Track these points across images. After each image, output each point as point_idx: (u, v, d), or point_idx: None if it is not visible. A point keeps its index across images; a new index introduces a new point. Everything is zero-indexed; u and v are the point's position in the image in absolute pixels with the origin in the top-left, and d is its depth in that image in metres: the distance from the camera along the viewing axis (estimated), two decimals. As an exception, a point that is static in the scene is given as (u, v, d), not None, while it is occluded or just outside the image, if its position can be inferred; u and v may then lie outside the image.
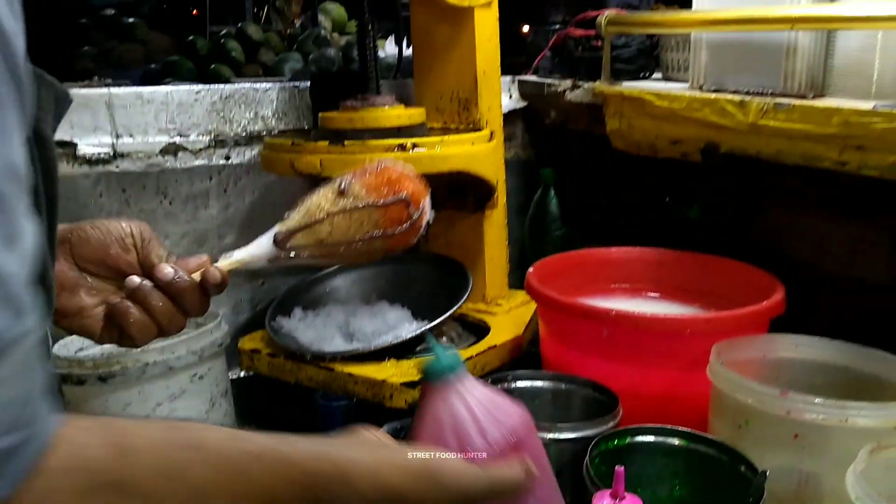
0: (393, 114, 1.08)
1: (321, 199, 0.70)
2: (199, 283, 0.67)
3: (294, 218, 0.69)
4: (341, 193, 0.69)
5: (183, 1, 3.43)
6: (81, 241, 0.68)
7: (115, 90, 1.12)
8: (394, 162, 0.72)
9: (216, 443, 0.47)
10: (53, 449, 0.40)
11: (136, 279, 0.67)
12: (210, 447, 0.47)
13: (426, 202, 0.70)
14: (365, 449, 0.55)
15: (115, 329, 0.68)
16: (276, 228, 0.69)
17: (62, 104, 0.57)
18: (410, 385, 0.99)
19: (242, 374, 1.22)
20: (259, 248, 0.69)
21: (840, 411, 0.76)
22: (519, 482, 0.60)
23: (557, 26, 1.70)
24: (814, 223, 1.16)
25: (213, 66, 1.73)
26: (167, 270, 0.66)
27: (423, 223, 0.71)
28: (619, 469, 0.60)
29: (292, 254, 0.69)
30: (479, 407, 0.66)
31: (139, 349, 0.98)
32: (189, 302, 0.67)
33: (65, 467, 0.40)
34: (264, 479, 0.48)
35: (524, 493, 0.61)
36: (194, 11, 3.38)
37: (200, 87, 1.19)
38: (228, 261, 0.69)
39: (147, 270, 0.68)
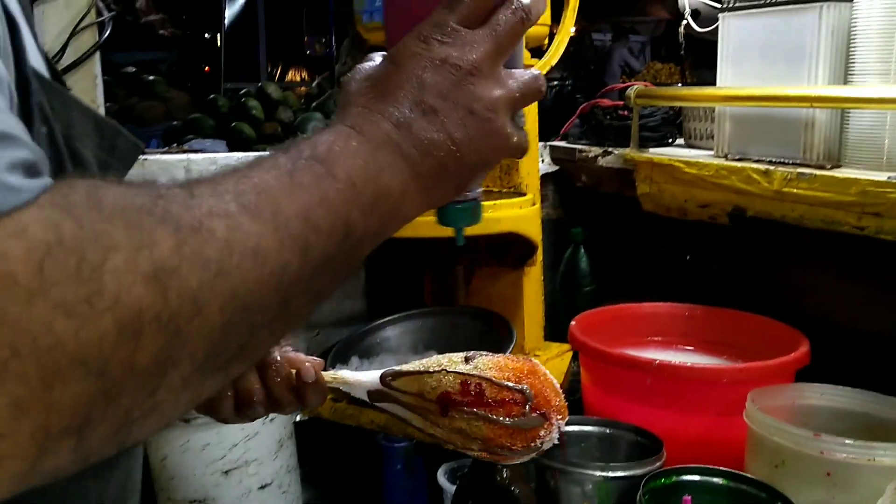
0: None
1: (444, 358, 0.66)
2: (297, 381, 0.66)
3: (410, 364, 0.67)
4: (466, 360, 0.65)
5: (196, 58, 3.49)
6: None
7: (192, 156, 1.23)
8: (537, 364, 0.65)
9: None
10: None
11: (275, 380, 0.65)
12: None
13: (554, 419, 0.61)
14: None
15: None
16: (390, 368, 0.67)
17: (133, 153, 0.58)
18: (467, 428, 1.07)
19: (304, 418, 1.31)
20: (365, 375, 0.68)
21: (868, 451, 0.85)
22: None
23: (556, 83, 1.84)
24: (829, 281, 1.26)
25: (234, 123, 1.80)
26: (310, 372, 0.66)
27: (539, 437, 0.60)
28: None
29: (391, 397, 0.65)
30: None
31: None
32: (307, 396, 0.67)
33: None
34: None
35: None
36: (206, 69, 3.46)
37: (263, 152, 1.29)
38: (332, 373, 0.68)
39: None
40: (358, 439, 1.19)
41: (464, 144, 0.48)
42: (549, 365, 1.37)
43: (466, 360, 0.65)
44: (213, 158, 1.25)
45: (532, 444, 0.60)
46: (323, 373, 0.67)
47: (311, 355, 1.40)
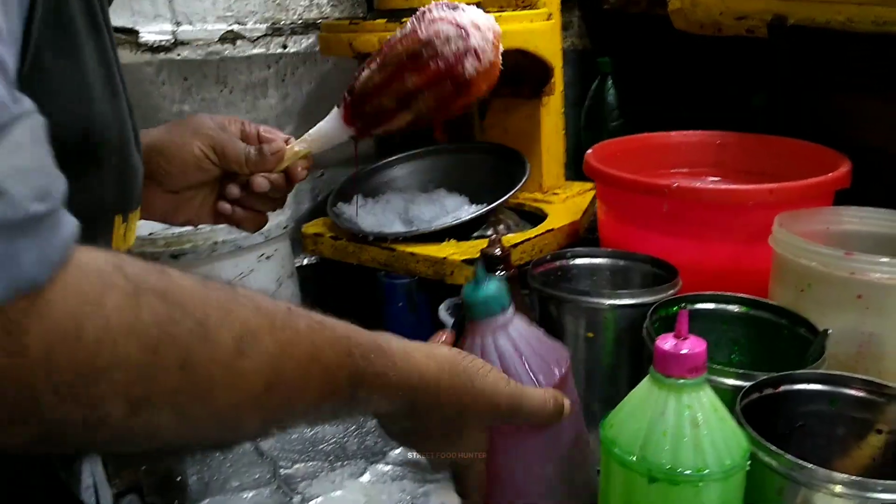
0: (450, -8, 1.07)
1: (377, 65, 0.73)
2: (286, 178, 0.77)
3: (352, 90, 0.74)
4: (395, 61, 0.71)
5: None
6: (163, 174, 0.73)
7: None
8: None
9: (258, 296, 0.44)
10: (85, 249, 0.35)
11: (236, 192, 0.77)
12: (253, 297, 0.44)
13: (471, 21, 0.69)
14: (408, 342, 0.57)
15: (228, 221, 0.80)
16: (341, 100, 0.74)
17: None
18: (470, 262, 1.01)
19: (306, 261, 1.26)
20: (329, 119, 0.75)
21: (906, 270, 0.75)
22: (550, 413, 0.61)
23: None
24: (881, 106, 1.13)
25: None
26: (261, 185, 0.75)
27: (474, 49, 0.68)
28: (684, 311, 0.60)
29: (359, 122, 0.73)
30: (526, 347, 0.64)
31: (209, 228, 1.02)
32: (282, 196, 0.79)
33: (101, 266, 0.35)
34: (312, 335, 0.46)
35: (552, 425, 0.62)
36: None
37: (256, -27, 1.19)
38: (304, 148, 0.76)
39: (232, 176, 0.76)
40: (360, 277, 1.13)
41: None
42: (569, 203, 1.29)
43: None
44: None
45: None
46: (297, 151, 0.76)
47: (315, 196, 1.34)
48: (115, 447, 0.41)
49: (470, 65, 0.68)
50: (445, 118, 0.69)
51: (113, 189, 0.52)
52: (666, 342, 0.60)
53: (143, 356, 0.35)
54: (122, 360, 0.34)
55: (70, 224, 0.34)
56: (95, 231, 0.51)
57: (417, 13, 0.71)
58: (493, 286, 0.63)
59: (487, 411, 0.58)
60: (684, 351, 0.58)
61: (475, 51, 0.68)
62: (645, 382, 0.61)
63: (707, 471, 0.57)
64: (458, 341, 0.67)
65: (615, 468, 0.61)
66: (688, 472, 0.57)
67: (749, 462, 0.59)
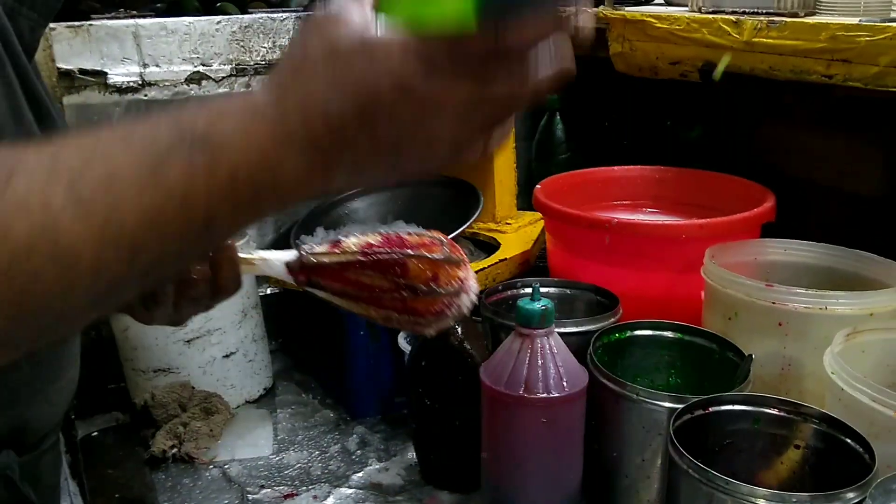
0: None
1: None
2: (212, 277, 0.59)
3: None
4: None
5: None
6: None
7: (140, 21, 1.18)
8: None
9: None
10: None
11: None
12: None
13: (471, 272, 0.60)
14: None
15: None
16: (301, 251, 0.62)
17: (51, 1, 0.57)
18: (427, 293, 1.07)
19: (269, 290, 1.31)
20: (278, 254, 0.63)
21: (820, 300, 0.83)
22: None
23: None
24: (806, 139, 1.23)
25: (218, 3, 1.75)
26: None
27: (459, 285, 0.59)
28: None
29: (311, 264, 0.60)
30: (566, 355, 0.82)
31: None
32: (190, 297, 0.60)
33: None
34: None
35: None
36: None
37: (221, 17, 1.24)
38: (247, 254, 0.62)
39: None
40: (322, 307, 1.18)
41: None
42: (521, 232, 1.36)
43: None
44: (163, 24, 1.20)
45: (454, 286, 0.59)
46: (240, 255, 0.61)
47: (279, 228, 1.39)
48: None
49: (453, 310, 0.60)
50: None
51: None
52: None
53: None
54: None
55: None
56: None
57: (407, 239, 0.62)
58: (547, 302, 0.81)
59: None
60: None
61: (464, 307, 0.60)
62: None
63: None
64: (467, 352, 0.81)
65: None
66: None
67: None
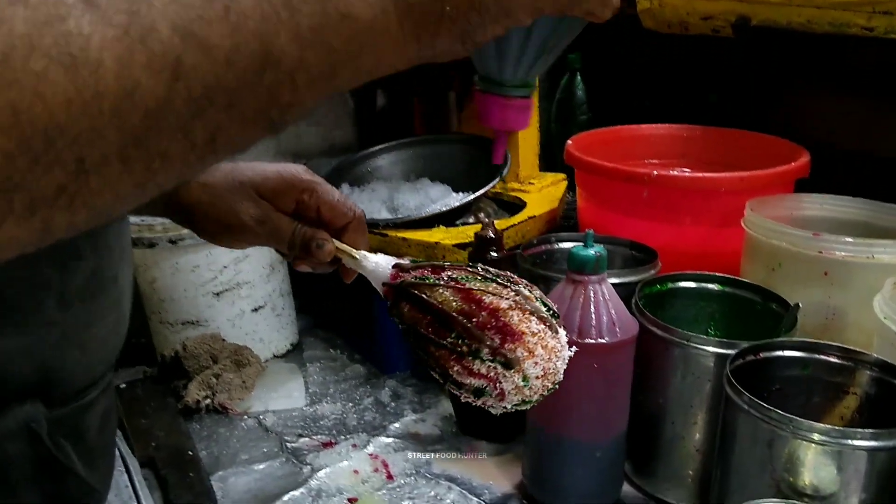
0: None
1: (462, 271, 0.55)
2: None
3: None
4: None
5: None
6: (208, 232, 0.64)
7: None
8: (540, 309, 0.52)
9: None
10: None
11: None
12: None
13: (543, 366, 0.50)
14: None
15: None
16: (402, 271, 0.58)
17: None
18: (461, 246, 1.06)
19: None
20: (384, 267, 0.59)
21: (867, 248, 0.83)
22: None
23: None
24: (832, 101, 1.22)
25: None
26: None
27: (555, 379, 0.51)
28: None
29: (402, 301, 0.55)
30: (617, 302, 0.81)
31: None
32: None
33: None
34: None
35: None
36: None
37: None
38: (349, 254, 0.62)
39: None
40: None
41: None
42: (544, 192, 1.35)
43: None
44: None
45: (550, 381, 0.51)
46: (337, 244, 0.62)
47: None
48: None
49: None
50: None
51: None
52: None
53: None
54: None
55: None
56: None
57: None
58: (601, 248, 0.80)
59: None
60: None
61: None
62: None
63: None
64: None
65: None
66: None
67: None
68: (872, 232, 0.97)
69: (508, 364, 0.49)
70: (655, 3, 1.26)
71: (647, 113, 1.45)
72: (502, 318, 0.50)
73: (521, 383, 0.50)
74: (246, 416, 1.01)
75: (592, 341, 0.78)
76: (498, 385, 0.50)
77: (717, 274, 0.93)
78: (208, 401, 1.01)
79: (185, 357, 1.04)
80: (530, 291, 0.54)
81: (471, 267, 0.55)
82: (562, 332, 0.53)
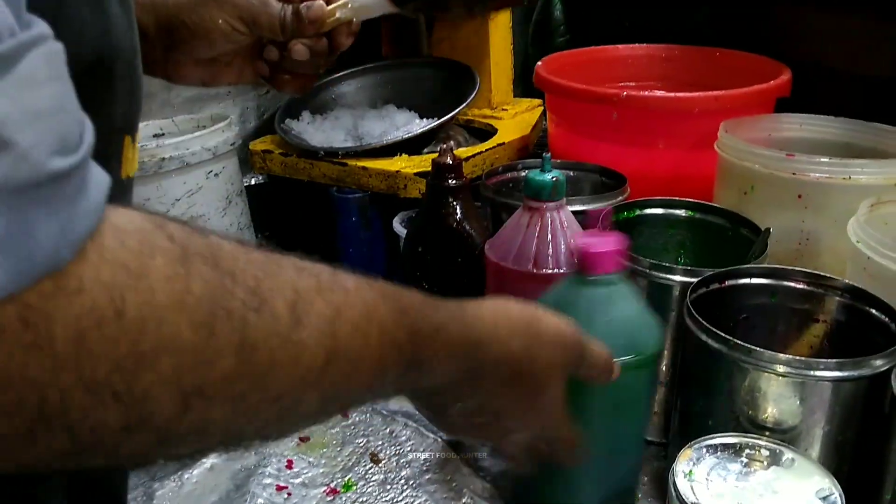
0: None
1: None
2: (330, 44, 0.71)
3: None
4: None
5: None
6: (191, 49, 0.67)
7: None
8: None
9: (293, 256, 0.38)
10: (118, 207, 0.29)
11: (275, 56, 0.71)
12: (288, 257, 0.37)
13: None
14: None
15: (272, 84, 0.75)
16: None
17: None
18: (423, 175, 1.01)
19: (254, 181, 1.24)
20: None
21: (843, 169, 0.79)
22: (606, 362, 0.55)
23: None
24: (818, 20, 1.16)
25: None
26: (301, 52, 0.69)
27: None
28: (608, 210, 0.66)
29: None
30: (576, 226, 0.76)
31: (154, 145, 1.00)
32: (326, 61, 0.73)
33: (141, 226, 0.29)
34: (362, 294, 0.38)
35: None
36: None
37: None
38: (345, 13, 0.69)
39: (271, 42, 0.70)
40: (311, 194, 1.13)
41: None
42: (518, 119, 1.29)
43: None
44: None
45: None
46: (339, 16, 0.69)
47: (261, 114, 1.32)
48: (153, 456, 0.32)
49: None
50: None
51: (123, 107, 0.45)
52: (585, 238, 0.62)
53: (195, 336, 0.28)
54: (172, 343, 0.28)
55: (101, 183, 0.27)
56: (108, 158, 0.44)
57: None
58: (559, 173, 0.75)
59: (559, 354, 0.50)
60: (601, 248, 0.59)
61: None
62: (567, 279, 0.62)
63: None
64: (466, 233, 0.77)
65: None
66: None
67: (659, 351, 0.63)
68: (854, 152, 0.92)
69: None
70: (633, -87, 1.18)
71: (629, 33, 1.38)
72: None
73: None
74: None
75: (550, 271, 0.74)
76: None
77: (687, 199, 0.88)
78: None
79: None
80: None
81: None
82: None
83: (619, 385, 0.57)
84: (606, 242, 0.60)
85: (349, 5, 0.67)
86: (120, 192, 0.46)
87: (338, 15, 0.69)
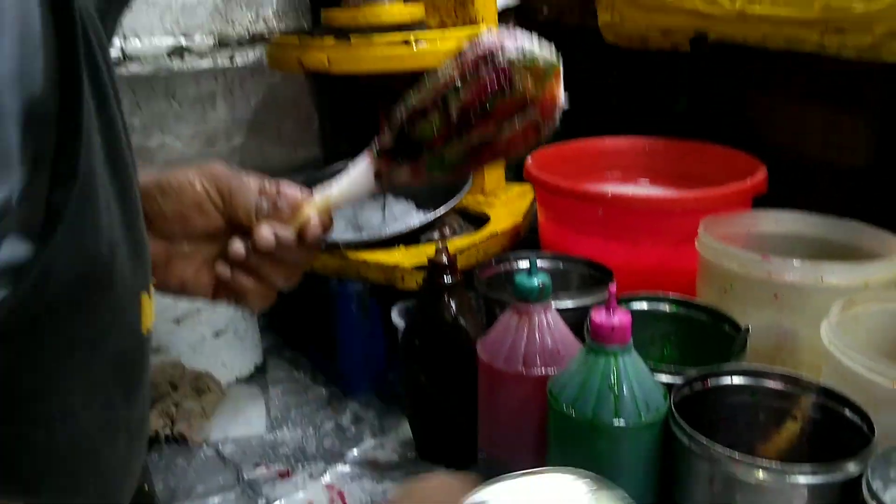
0: (395, 10, 1.12)
1: (428, 128, 0.58)
2: (299, 237, 0.60)
3: (388, 127, 0.59)
4: (459, 122, 0.57)
5: None
6: (158, 216, 0.60)
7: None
8: (514, 51, 0.58)
9: None
10: None
11: (240, 250, 0.60)
12: None
13: (561, 98, 0.59)
14: None
15: (230, 294, 0.63)
16: (373, 155, 0.60)
17: None
18: (420, 268, 1.06)
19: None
20: (356, 183, 0.60)
21: (816, 271, 0.83)
22: None
23: None
24: (794, 110, 1.22)
25: None
26: (267, 238, 0.59)
27: (556, 122, 0.58)
28: (612, 287, 0.71)
29: (397, 173, 0.59)
30: (563, 327, 0.81)
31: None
32: (294, 256, 0.62)
33: None
34: None
35: None
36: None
37: (202, -12, 1.21)
38: (323, 201, 0.60)
39: (239, 230, 0.61)
40: (312, 284, 1.17)
41: None
42: (510, 205, 1.35)
43: (447, 122, 0.58)
44: (142, -4, 1.17)
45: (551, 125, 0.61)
46: (317, 205, 0.60)
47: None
48: None
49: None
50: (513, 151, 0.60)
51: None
52: (599, 313, 0.70)
53: None
54: None
55: None
56: (130, 316, 0.44)
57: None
58: (544, 277, 0.79)
59: None
60: (614, 323, 0.70)
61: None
62: (582, 350, 0.73)
63: (621, 423, 0.68)
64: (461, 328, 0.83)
65: (556, 417, 0.73)
66: (607, 422, 0.69)
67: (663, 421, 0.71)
68: (828, 248, 0.97)
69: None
70: (616, 17, 1.26)
71: (614, 123, 1.45)
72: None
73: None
74: (205, 445, 1.01)
75: (539, 372, 0.78)
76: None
77: (671, 295, 0.93)
78: (167, 430, 1.01)
79: (144, 386, 1.03)
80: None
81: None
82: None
83: (626, 446, 0.65)
84: (617, 318, 0.70)
85: (328, 190, 0.60)
86: (139, 346, 0.46)
87: (315, 199, 0.62)
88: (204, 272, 0.62)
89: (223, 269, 0.62)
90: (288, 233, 0.60)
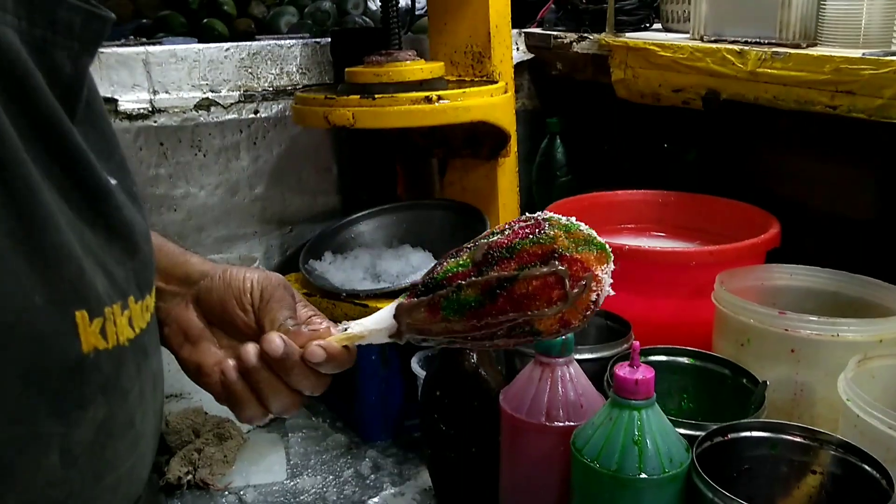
0: (416, 67, 1.15)
1: (453, 265, 0.57)
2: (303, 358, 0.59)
3: (418, 291, 0.57)
4: (482, 262, 0.55)
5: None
6: (206, 291, 0.65)
7: (150, 48, 1.19)
8: (548, 215, 0.58)
9: None
10: None
11: (250, 353, 0.60)
12: None
13: (599, 274, 0.56)
14: None
15: (228, 398, 0.63)
16: (399, 300, 0.58)
17: (93, 27, 0.46)
18: (439, 318, 1.08)
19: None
20: (378, 322, 0.59)
21: (832, 327, 0.86)
22: None
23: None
24: (802, 164, 1.25)
25: (205, 20, 1.76)
26: (275, 344, 0.59)
27: (591, 302, 0.56)
28: (636, 344, 0.74)
29: (415, 336, 0.58)
30: (585, 381, 0.83)
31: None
32: (296, 381, 0.60)
33: None
34: None
35: None
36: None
37: (229, 44, 1.25)
38: (342, 335, 0.60)
39: (259, 335, 0.61)
40: (332, 333, 1.19)
41: None
42: (524, 256, 1.37)
43: (481, 261, 0.55)
44: (172, 51, 1.21)
45: (588, 311, 0.56)
46: (333, 339, 0.59)
47: (285, 251, 1.40)
48: None
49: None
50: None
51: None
52: (623, 368, 0.74)
53: None
54: None
55: None
56: (46, 331, 0.42)
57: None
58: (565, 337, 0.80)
59: None
60: (638, 378, 0.73)
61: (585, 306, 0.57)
62: (606, 404, 0.75)
63: (645, 476, 0.71)
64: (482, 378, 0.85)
65: (580, 469, 0.75)
66: (631, 475, 0.71)
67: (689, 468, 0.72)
68: (841, 301, 0.99)
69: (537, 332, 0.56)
70: (629, 74, 1.30)
71: (626, 174, 1.48)
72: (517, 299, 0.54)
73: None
74: (227, 492, 1.02)
75: (561, 424, 0.80)
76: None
77: (689, 348, 0.94)
78: (189, 477, 1.02)
79: (168, 432, 1.05)
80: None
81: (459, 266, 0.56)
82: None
83: (649, 498, 0.68)
84: (641, 373, 0.73)
85: (351, 330, 0.60)
86: (73, 364, 0.44)
87: (334, 332, 0.61)
88: (217, 371, 0.63)
89: (230, 370, 0.62)
90: (296, 349, 0.59)
